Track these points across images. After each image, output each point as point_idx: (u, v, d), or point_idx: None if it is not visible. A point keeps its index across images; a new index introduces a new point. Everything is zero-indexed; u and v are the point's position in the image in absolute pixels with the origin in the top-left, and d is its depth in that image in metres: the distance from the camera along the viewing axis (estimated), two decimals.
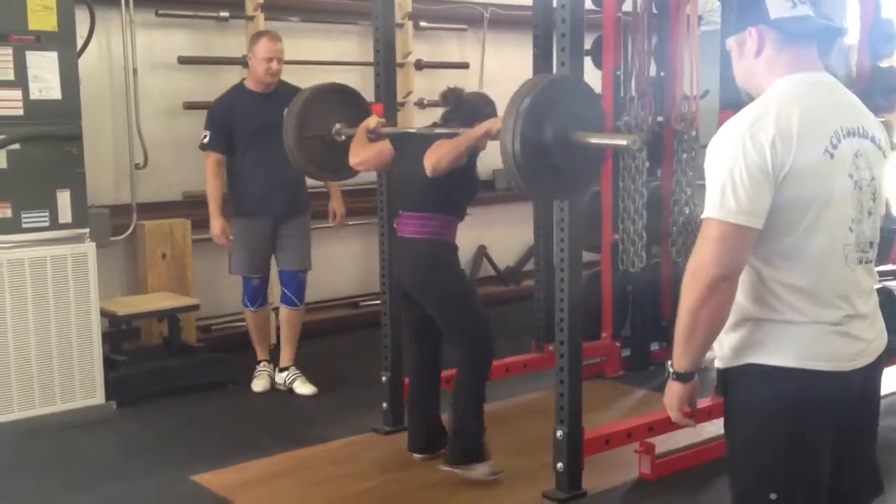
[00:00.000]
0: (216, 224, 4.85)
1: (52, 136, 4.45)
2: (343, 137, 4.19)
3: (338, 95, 4.34)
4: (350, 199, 5.41)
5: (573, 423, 3.55)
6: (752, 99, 2.14)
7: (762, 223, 1.98)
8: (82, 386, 4.57)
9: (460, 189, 3.75)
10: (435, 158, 3.53)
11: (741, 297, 2.07)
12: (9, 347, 4.37)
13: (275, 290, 5.20)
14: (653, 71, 5.17)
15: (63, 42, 4.46)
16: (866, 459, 2.22)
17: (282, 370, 5.04)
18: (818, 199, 2.01)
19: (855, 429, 2.14)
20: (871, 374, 2.14)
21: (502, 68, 6.65)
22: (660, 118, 5.18)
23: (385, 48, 4.29)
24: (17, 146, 4.35)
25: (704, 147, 4.94)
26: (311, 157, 4.29)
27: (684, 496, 3.72)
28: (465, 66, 6.72)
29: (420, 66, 6.48)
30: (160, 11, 5.43)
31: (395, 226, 3.93)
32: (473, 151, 3.66)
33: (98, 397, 4.63)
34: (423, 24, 6.52)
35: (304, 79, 4.82)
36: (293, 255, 4.94)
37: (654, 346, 5.34)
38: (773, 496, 2.07)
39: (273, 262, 5.00)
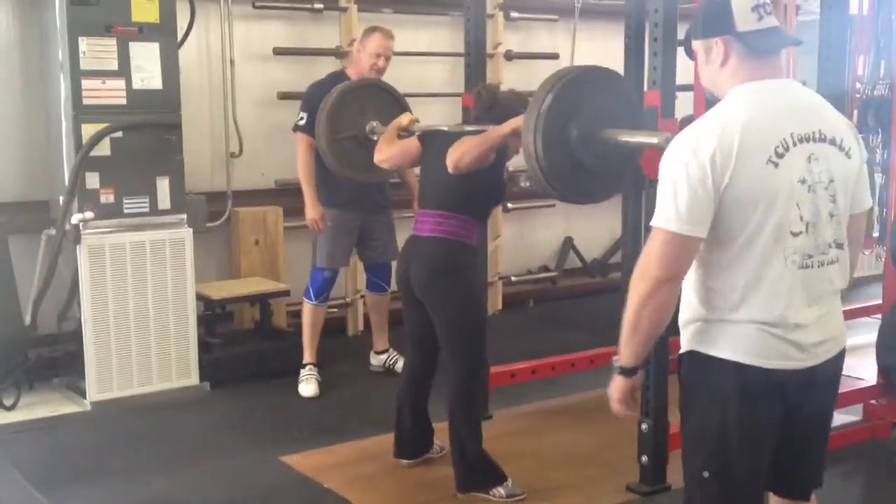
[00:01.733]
0: (315, 210, 4.71)
1: (153, 125, 4.61)
2: (376, 136, 4.13)
3: (372, 92, 4.29)
4: None
5: (659, 417, 3.54)
6: (715, 99, 2.23)
7: (705, 232, 2.09)
8: (178, 367, 4.74)
9: (485, 191, 3.56)
10: (458, 154, 3.36)
11: (693, 297, 2.21)
12: (109, 329, 4.55)
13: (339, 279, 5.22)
14: None
15: (164, 33, 4.61)
16: (813, 454, 2.31)
17: (379, 353, 5.16)
18: (759, 208, 2.08)
19: (800, 426, 2.23)
20: (818, 375, 2.19)
21: (593, 59, 6.53)
22: None
23: (475, 39, 4.31)
24: (119, 134, 4.51)
25: None
26: (344, 157, 4.27)
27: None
28: (555, 56, 6.69)
29: (510, 56, 6.48)
30: (257, 3, 5.54)
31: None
32: (503, 153, 3.51)
33: (193, 378, 4.79)
34: (513, 14, 6.52)
35: (394, 69, 4.86)
36: (384, 248, 5.01)
37: None
38: (705, 474, 2.23)
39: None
